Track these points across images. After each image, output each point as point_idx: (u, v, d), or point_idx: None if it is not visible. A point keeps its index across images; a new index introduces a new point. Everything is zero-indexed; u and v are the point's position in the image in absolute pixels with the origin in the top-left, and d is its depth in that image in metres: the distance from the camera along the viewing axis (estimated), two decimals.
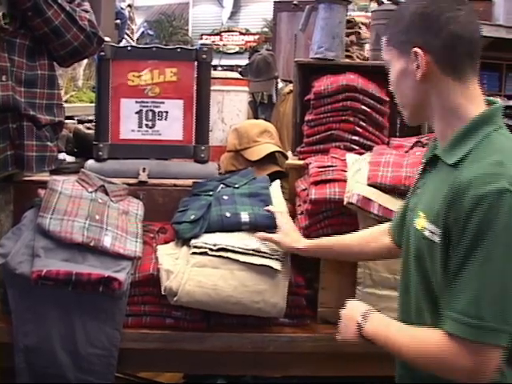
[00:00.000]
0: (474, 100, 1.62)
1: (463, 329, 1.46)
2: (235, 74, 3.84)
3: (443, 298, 1.55)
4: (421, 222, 1.62)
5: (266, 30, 15.96)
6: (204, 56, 3.03)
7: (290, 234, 2.35)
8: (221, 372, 2.68)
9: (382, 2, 3.32)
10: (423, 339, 1.57)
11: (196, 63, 3.04)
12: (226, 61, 16.60)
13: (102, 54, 2.97)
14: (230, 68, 12.73)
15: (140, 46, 3.36)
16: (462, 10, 1.59)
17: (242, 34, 18.49)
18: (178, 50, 3.07)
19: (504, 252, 1.44)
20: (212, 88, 3.14)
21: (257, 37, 17.46)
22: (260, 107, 4.83)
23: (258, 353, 2.47)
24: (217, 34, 18.74)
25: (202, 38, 17.74)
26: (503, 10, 9.28)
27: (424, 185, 1.72)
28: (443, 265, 1.54)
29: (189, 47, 3.14)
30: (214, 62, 3.24)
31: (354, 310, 1.78)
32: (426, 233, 1.59)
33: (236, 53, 17.64)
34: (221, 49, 18.16)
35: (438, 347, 1.52)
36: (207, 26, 19.03)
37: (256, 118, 4.63)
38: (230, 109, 3.62)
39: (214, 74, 3.36)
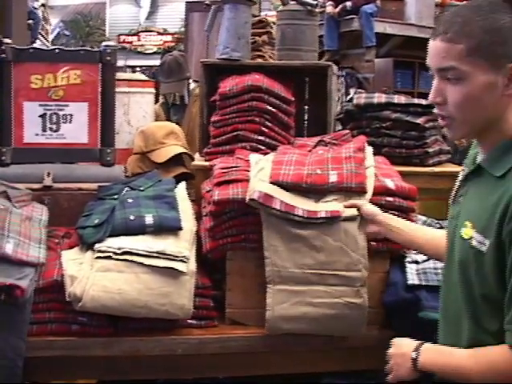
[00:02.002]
0: None
1: None
2: (141, 76, 3.82)
3: (497, 309, 1.56)
4: (468, 232, 1.62)
5: (183, 29, 15.95)
6: (108, 58, 3.00)
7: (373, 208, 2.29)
8: (132, 377, 2.64)
9: (288, 2, 3.35)
10: (489, 359, 1.57)
11: (100, 65, 3.01)
12: (143, 61, 16.50)
13: (3, 56, 2.91)
14: (149, 69, 12.64)
15: (43, 47, 3.31)
16: None
17: (159, 33, 18.41)
18: (82, 51, 3.04)
19: None
20: (117, 90, 3.12)
21: (175, 36, 17.42)
22: (172, 108, 4.79)
23: (168, 356, 2.45)
24: (134, 34, 18.60)
25: (119, 38, 17.60)
26: (415, 9, 9.58)
27: (466, 193, 1.71)
28: (496, 277, 1.55)
29: (92, 49, 3.11)
30: (120, 62, 3.22)
31: (403, 347, 1.76)
32: (474, 242, 1.59)
33: (154, 53, 17.52)
34: (139, 49, 18.04)
35: (507, 363, 1.53)
36: (125, 26, 18.85)
37: (168, 119, 4.60)
38: (136, 111, 3.61)
39: (119, 75, 3.34)
